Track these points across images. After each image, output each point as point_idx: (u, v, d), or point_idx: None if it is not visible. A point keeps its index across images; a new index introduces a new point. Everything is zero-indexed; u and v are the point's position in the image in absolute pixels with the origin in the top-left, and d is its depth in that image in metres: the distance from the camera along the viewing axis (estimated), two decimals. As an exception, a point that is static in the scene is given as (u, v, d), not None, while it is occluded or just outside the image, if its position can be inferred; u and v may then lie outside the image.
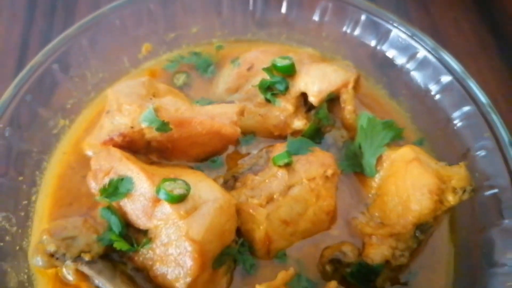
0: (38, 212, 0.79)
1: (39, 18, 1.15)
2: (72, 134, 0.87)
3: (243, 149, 0.88)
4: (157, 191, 0.70)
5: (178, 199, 0.70)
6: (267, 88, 0.87)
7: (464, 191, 0.73)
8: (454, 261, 0.79)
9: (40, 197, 0.80)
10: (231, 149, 0.88)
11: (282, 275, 0.67)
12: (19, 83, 0.81)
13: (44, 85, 0.85)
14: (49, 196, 0.81)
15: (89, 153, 0.83)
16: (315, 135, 0.88)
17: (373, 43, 0.97)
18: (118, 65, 0.96)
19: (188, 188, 0.71)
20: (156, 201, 0.71)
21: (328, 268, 0.75)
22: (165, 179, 0.71)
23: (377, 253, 0.75)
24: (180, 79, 0.97)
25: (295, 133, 0.87)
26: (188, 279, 0.70)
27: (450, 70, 0.87)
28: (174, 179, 0.71)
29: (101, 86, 0.94)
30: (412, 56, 0.93)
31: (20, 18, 1.15)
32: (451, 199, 0.73)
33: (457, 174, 0.73)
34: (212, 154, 0.86)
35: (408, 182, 0.75)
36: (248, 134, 0.89)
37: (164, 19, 0.99)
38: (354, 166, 0.85)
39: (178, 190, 0.70)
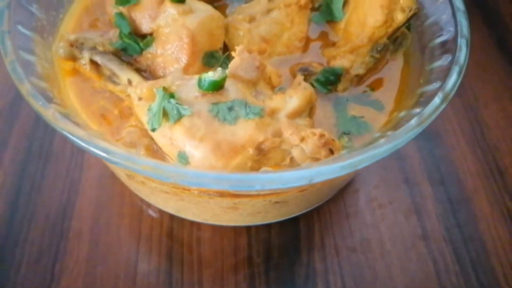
0: (61, 29, 0.96)
1: None
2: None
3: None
4: (161, -10, 0.88)
5: (177, -3, 0.87)
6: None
7: (411, 10, 0.89)
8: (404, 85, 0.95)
9: (65, 19, 0.98)
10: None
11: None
12: None
13: None
14: (72, 20, 0.98)
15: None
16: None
17: None
18: None
19: (186, -11, 0.88)
20: (160, 2, 0.88)
21: (298, 74, 0.91)
22: (167, -17, 0.89)
23: (338, 63, 0.91)
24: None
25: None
26: (182, 64, 0.86)
27: None
28: (175, -16, 0.89)
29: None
30: None
31: None
32: (399, 16, 0.89)
33: (405, -2, 0.90)
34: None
35: (366, 7, 0.91)
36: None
37: None
38: (326, 15, 1.01)
39: (178, -11, 0.87)
